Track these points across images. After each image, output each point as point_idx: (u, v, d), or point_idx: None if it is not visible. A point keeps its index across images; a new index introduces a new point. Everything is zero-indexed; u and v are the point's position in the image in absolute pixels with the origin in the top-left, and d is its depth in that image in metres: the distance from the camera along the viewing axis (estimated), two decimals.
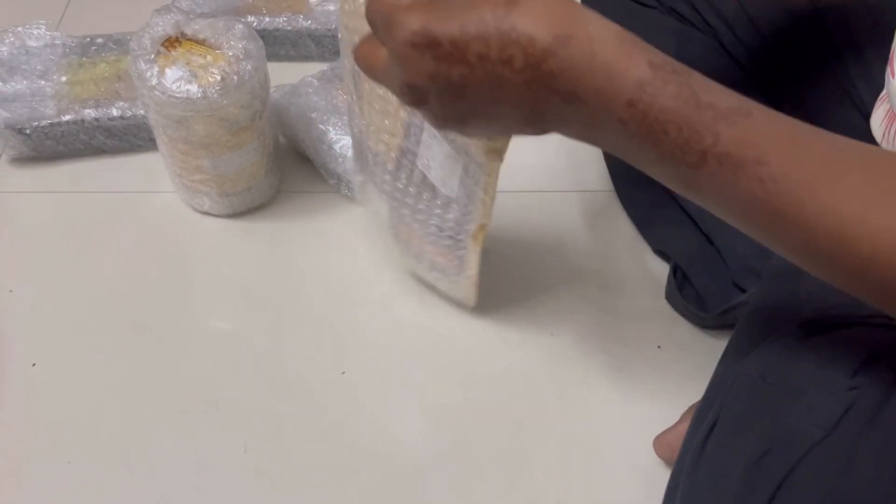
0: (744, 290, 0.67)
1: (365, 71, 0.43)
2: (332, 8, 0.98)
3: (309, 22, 0.97)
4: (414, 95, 0.40)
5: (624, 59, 0.36)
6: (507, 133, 0.49)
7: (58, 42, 0.89)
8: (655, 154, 0.37)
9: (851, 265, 0.35)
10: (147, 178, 0.84)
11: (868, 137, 0.65)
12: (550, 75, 0.36)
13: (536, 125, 0.40)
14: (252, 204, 0.80)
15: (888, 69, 0.59)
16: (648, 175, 0.40)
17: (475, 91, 0.38)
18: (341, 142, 0.78)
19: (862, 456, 0.41)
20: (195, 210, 0.81)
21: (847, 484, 0.40)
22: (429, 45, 0.37)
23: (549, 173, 0.82)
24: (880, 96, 0.62)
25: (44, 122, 0.81)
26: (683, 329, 0.72)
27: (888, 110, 0.60)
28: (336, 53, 0.97)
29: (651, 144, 0.37)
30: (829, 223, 0.35)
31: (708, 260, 0.71)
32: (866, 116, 0.66)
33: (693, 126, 0.35)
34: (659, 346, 0.71)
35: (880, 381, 0.44)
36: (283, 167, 0.83)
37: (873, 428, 0.42)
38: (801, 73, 0.71)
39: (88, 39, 0.91)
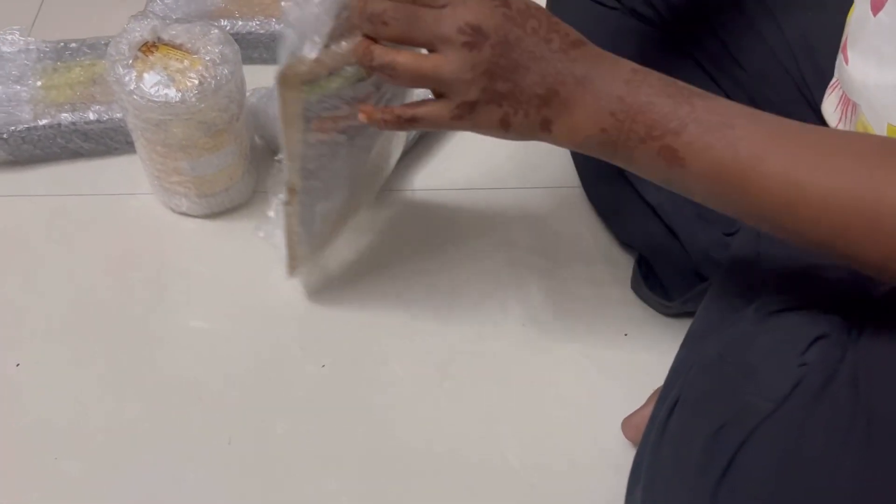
0: (705, 279, 0.71)
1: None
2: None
3: (282, 25, 0.98)
4: (474, 38, 0.47)
5: (617, 61, 0.48)
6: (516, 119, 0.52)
7: (32, 47, 0.90)
8: (645, 128, 0.46)
9: (805, 217, 0.43)
10: (125, 181, 0.85)
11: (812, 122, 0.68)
12: (573, 60, 0.47)
13: (546, 106, 0.48)
14: (229, 204, 0.82)
15: (840, 56, 0.62)
16: (633, 171, 0.49)
17: (520, 52, 0.47)
18: None
19: (810, 427, 0.44)
20: (173, 211, 0.82)
21: (797, 453, 0.43)
22: (504, 4, 0.47)
23: (520, 172, 0.85)
24: (831, 83, 0.65)
25: (20, 127, 0.82)
26: (648, 317, 0.75)
27: (841, 96, 0.64)
28: None
29: (642, 119, 0.46)
30: (784, 180, 0.43)
31: (670, 251, 0.74)
32: (815, 108, 0.69)
33: (674, 97, 0.46)
34: (625, 334, 0.74)
35: (828, 359, 0.48)
36: (259, 168, 0.85)
37: (821, 401, 0.45)
38: (755, 69, 0.75)
39: (62, 44, 0.92)
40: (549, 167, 0.88)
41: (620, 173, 0.79)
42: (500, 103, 0.48)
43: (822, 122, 0.66)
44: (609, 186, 0.81)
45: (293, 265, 0.71)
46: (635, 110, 0.46)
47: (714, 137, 0.44)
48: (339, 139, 0.61)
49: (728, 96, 0.77)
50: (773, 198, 0.44)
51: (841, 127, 0.64)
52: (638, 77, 0.47)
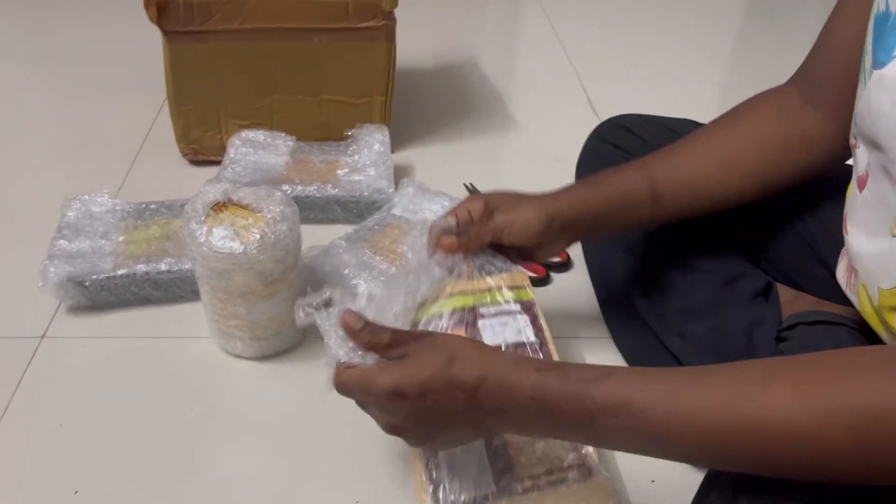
0: None
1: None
2: (356, 178, 1.11)
3: (336, 190, 1.09)
4: (395, 430, 0.58)
5: (519, 374, 0.53)
6: (465, 443, 0.61)
7: (118, 208, 1.02)
8: (566, 424, 0.52)
9: (712, 447, 0.48)
10: (186, 326, 0.93)
11: (833, 287, 0.73)
12: (480, 403, 0.54)
13: (482, 432, 0.58)
14: (280, 348, 0.88)
15: (843, 227, 0.68)
16: (566, 439, 0.60)
17: (435, 418, 0.55)
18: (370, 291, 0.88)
19: None
20: (228, 353, 0.89)
21: None
22: (401, 397, 0.54)
23: (554, 324, 0.90)
24: (842, 251, 0.71)
25: (101, 276, 0.92)
26: (675, 464, 0.76)
27: (847, 262, 0.69)
28: (359, 217, 1.09)
29: (558, 418, 0.52)
30: (688, 429, 0.47)
31: None
32: (830, 270, 0.74)
33: (575, 396, 0.51)
34: (652, 481, 0.76)
35: None
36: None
37: None
38: (774, 238, 0.81)
39: (144, 205, 1.04)
40: (578, 319, 0.94)
41: (645, 325, 0.84)
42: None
43: (837, 285, 0.71)
44: (634, 336, 0.86)
45: None
46: (551, 416, 0.52)
47: (620, 419, 0.49)
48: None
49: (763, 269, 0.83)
50: (682, 441, 0.48)
51: (848, 292, 0.69)
52: (538, 393, 0.52)
